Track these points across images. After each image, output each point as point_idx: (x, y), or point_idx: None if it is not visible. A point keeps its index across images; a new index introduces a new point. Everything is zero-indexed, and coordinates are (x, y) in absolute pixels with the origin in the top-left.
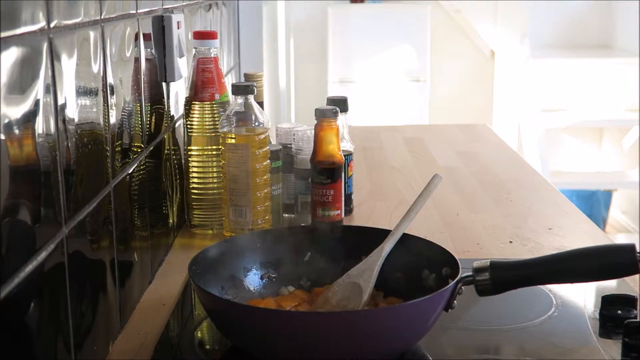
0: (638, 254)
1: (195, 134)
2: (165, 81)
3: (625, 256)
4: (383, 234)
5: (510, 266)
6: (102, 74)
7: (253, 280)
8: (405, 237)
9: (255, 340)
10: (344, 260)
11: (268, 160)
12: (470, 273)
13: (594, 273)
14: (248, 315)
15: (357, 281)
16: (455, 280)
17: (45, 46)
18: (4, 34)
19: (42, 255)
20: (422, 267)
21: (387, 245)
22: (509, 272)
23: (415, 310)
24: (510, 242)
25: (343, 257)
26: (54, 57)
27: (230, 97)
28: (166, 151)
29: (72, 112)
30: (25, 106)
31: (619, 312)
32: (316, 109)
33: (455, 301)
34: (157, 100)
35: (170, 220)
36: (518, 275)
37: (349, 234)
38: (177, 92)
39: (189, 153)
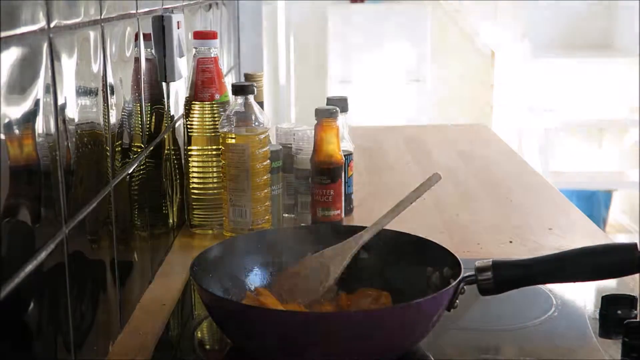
0: (639, 254)
1: (195, 134)
2: (165, 81)
3: (626, 256)
4: (382, 233)
5: (512, 265)
6: (102, 74)
7: (254, 280)
8: (406, 237)
9: (256, 340)
10: None
11: (268, 160)
12: (471, 273)
13: (596, 272)
14: (250, 315)
15: (328, 264)
16: (458, 279)
17: (45, 46)
18: (4, 34)
19: (42, 255)
20: (424, 268)
21: (367, 235)
22: (512, 271)
23: (417, 310)
24: (510, 242)
25: None
26: (54, 57)
27: (230, 97)
28: (166, 151)
29: (72, 112)
30: (25, 106)
31: (619, 312)
32: (316, 109)
33: (457, 301)
34: (157, 100)
35: (170, 220)
36: (520, 275)
37: (348, 233)
38: (177, 92)
39: (189, 153)
